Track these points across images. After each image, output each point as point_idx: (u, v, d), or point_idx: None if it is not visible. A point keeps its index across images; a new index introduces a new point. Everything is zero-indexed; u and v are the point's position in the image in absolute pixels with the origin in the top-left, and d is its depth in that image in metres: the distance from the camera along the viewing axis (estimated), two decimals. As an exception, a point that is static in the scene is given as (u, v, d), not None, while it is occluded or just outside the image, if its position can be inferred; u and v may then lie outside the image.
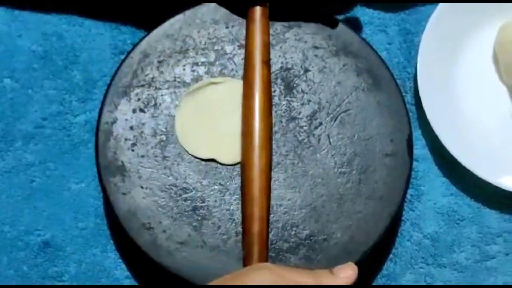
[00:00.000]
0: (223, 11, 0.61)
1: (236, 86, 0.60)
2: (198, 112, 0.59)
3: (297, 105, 0.60)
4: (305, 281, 0.49)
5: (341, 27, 0.61)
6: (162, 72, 0.60)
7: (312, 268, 0.52)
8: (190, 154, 0.58)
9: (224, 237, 0.57)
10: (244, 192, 0.56)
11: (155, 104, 0.59)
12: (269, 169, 0.57)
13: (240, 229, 0.57)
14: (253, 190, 0.55)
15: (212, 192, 0.58)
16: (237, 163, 0.58)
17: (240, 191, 0.57)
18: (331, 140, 0.59)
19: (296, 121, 0.59)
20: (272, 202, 0.57)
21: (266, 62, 0.59)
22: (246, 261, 0.55)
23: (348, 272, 0.50)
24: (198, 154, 0.58)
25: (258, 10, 0.59)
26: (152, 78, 0.60)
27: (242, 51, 0.60)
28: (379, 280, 0.62)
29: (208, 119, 0.59)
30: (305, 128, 0.59)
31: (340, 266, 0.51)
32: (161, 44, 0.60)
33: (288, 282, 0.48)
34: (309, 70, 0.61)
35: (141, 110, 0.59)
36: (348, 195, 0.58)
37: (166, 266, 0.56)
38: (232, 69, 0.60)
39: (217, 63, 0.60)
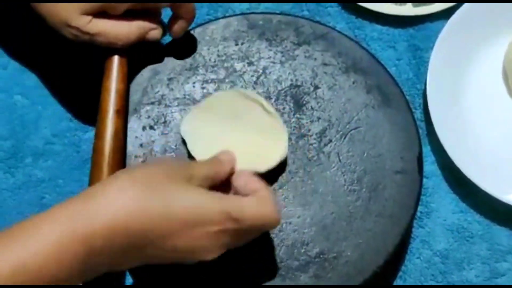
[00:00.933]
0: (232, 28, 0.61)
1: (244, 100, 0.59)
2: (206, 123, 0.58)
3: (307, 122, 0.60)
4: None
5: (350, 44, 0.62)
6: (172, 89, 0.60)
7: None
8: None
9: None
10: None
11: (165, 122, 0.59)
12: None
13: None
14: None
15: (221, 210, 0.58)
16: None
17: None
18: (340, 157, 0.59)
19: (306, 138, 0.59)
20: (282, 220, 0.57)
21: (119, 111, 0.56)
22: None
23: None
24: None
25: (115, 60, 0.57)
26: (162, 95, 0.60)
27: (252, 68, 0.61)
28: (389, 297, 0.62)
29: (215, 131, 0.58)
30: (314, 145, 0.59)
31: None
32: (171, 61, 0.60)
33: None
34: (319, 87, 0.61)
35: (151, 128, 0.59)
36: (358, 212, 0.58)
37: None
38: (242, 86, 0.60)
39: (226, 80, 0.60)
